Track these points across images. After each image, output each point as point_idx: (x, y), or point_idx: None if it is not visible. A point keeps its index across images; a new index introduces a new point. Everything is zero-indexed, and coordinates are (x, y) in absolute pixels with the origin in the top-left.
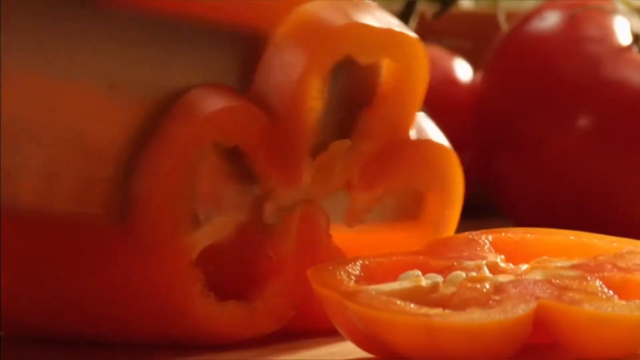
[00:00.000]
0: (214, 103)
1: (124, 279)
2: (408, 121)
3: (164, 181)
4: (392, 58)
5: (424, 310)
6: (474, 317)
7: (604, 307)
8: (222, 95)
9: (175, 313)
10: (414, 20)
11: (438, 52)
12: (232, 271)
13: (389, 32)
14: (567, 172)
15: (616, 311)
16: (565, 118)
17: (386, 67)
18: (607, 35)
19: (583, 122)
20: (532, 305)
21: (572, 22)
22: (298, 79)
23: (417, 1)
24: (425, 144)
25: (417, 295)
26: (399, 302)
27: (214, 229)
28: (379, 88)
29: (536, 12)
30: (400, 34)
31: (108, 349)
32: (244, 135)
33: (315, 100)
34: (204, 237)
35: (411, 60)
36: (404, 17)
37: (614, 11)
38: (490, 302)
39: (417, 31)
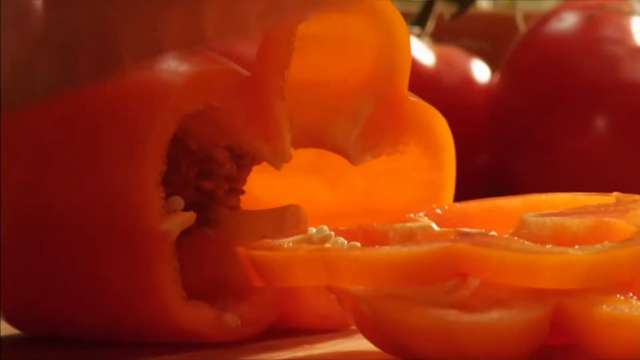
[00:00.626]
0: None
1: (103, 272)
2: (402, 80)
3: (141, 165)
4: (357, 15)
5: (442, 312)
6: (491, 317)
7: (621, 308)
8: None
9: (146, 300)
10: (432, 21)
11: (456, 52)
12: (212, 276)
13: None
14: (583, 172)
15: (633, 312)
16: (583, 118)
17: (362, 33)
18: (624, 36)
19: (600, 122)
20: (549, 306)
21: (590, 23)
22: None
23: (435, 2)
24: (420, 104)
25: (436, 297)
26: (415, 305)
27: (190, 217)
28: (362, 56)
29: (554, 13)
30: None
31: (105, 347)
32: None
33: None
34: (180, 224)
35: (379, 17)
36: (422, 17)
37: (631, 12)
38: (507, 303)
39: (435, 32)
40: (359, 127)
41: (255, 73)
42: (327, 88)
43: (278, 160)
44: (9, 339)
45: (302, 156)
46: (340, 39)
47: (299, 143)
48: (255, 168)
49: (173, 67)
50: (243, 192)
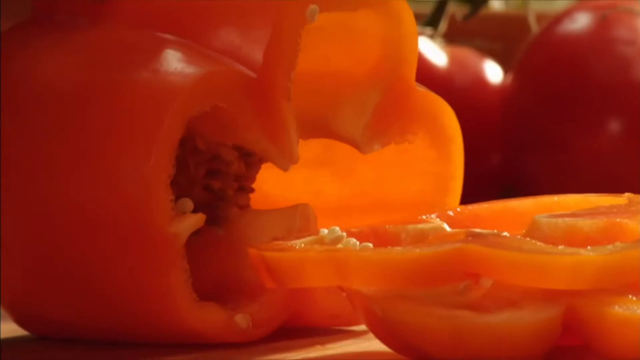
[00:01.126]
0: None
1: (112, 274)
2: (409, 69)
3: (150, 168)
4: (368, 7)
5: (453, 312)
6: (503, 318)
7: (633, 309)
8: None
9: (156, 303)
10: (444, 22)
11: (468, 53)
12: (223, 277)
13: None
14: (596, 172)
15: None
16: (595, 119)
17: (369, 23)
18: (637, 36)
19: (613, 123)
20: (561, 307)
21: (603, 24)
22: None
23: (448, 2)
24: (428, 94)
25: (447, 298)
26: (426, 305)
27: (199, 219)
28: (369, 45)
29: (566, 14)
30: None
31: (105, 348)
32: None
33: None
34: (190, 225)
35: (386, 7)
36: (434, 18)
37: None
38: (519, 304)
39: (447, 32)
40: (367, 116)
41: (261, 74)
42: (334, 78)
43: (285, 161)
44: (11, 340)
45: (310, 150)
46: (347, 29)
47: (306, 134)
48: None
49: (179, 69)
50: (252, 190)
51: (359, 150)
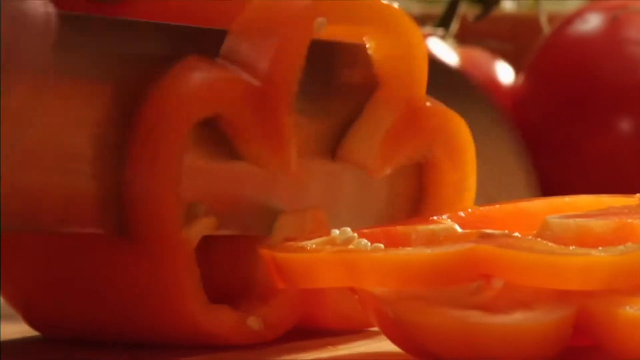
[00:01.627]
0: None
1: (122, 278)
2: (420, 89)
3: (158, 173)
4: (371, 26)
5: (464, 313)
6: (515, 319)
7: None
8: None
9: (168, 308)
10: (455, 23)
11: (480, 54)
12: (235, 278)
13: (362, 4)
14: (607, 173)
15: None
16: (606, 120)
17: (377, 44)
18: None
19: (624, 123)
20: (573, 307)
21: (614, 24)
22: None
23: (459, 3)
24: (438, 108)
25: (458, 299)
26: (438, 306)
27: (211, 223)
28: (378, 66)
29: (578, 14)
30: (374, 3)
31: (110, 349)
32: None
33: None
34: (201, 230)
35: (394, 27)
36: (445, 19)
37: None
38: (530, 304)
39: (458, 33)
40: (378, 141)
41: (265, 84)
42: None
43: (282, 172)
44: (12, 342)
45: None
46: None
47: (317, 156)
48: None
49: (184, 74)
50: None
51: (370, 175)
